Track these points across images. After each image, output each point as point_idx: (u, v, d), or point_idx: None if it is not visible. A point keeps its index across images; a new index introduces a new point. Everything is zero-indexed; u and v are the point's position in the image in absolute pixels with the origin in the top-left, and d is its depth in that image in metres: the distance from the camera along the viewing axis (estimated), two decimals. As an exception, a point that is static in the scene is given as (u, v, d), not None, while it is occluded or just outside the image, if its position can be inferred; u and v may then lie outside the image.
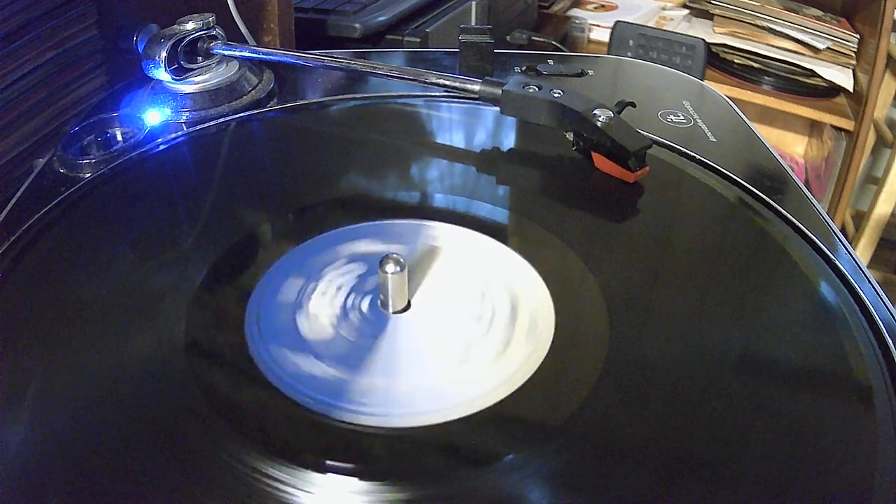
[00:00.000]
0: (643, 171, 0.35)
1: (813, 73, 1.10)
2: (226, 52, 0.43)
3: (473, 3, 0.78)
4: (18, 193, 0.35)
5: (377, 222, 0.33)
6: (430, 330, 0.27)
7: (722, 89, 0.48)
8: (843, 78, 1.08)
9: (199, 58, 0.42)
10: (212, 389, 0.25)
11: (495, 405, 0.24)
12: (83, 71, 0.50)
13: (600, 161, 0.36)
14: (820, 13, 1.15)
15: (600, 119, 0.36)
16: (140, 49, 0.42)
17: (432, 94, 0.43)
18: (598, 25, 1.24)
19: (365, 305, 0.28)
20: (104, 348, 0.26)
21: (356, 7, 0.69)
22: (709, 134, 0.41)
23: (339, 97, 0.44)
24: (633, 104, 0.39)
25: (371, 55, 0.54)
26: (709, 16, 1.19)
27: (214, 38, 0.43)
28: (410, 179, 0.37)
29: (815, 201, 0.35)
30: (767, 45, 1.11)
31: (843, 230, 0.92)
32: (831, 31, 1.10)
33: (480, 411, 0.24)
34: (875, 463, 0.22)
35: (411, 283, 0.29)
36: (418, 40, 0.68)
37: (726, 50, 1.14)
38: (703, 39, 0.93)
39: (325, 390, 0.25)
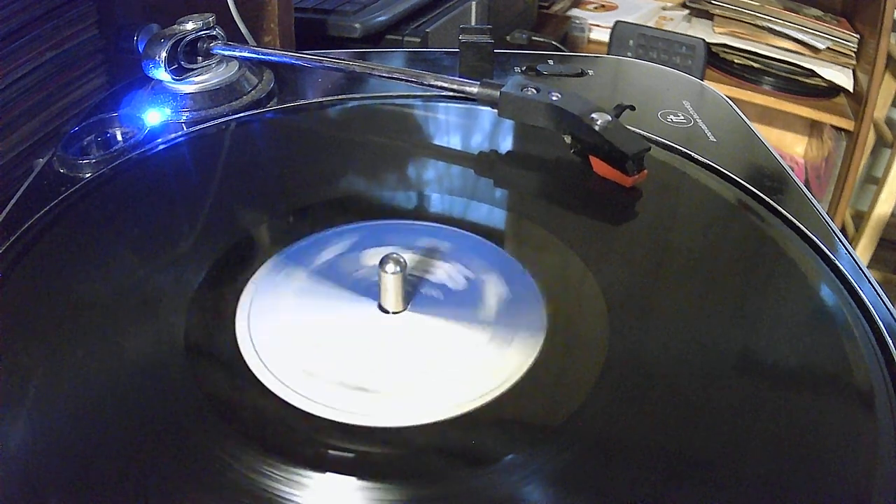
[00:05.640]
0: (641, 175, 0.35)
1: (813, 73, 1.10)
2: (226, 53, 0.43)
3: (473, 3, 0.78)
4: (18, 193, 0.35)
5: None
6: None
7: (722, 89, 0.48)
8: (843, 78, 1.08)
9: (199, 58, 0.42)
10: (211, 389, 0.25)
11: (495, 405, 0.24)
12: (83, 71, 0.50)
13: (598, 165, 0.36)
14: (820, 13, 1.15)
15: (598, 122, 0.36)
16: (140, 49, 0.42)
17: (432, 94, 0.43)
18: (598, 25, 1.24)
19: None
20: (104, 348, 0.26)
21: (356, 7, 0.69)
22: (709, 134, 0.41)
23: (339, 97, 0.44)
24: (632, 107, 0.39)
25: (371, 55, 0.54)
26: (709, 16, 1.19)
27: (214, 38, 0.43)
28: (410, 180, 0.37)
29: (815, 201, 0.35)
30: (767, 45, 1.11)
31: (843, 230, 0.92)
32: (831, 31, 1.10)
33: (480, 411, 0.24)
34: (875, 463, 0.22)
35: (410, 282, 0.29)
36: (418, 40, 0.68)
37: (726, 50, 1.14)
38: (703, 39, 0.93)
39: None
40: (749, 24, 1.13)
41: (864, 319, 0.28)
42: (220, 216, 0.34)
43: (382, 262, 0.27)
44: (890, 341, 0.27)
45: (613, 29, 1.03)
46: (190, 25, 0.41)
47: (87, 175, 0.36)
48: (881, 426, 0.24)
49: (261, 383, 0.25)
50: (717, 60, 1.14)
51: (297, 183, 0.37)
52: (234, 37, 0.47)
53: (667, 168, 0.37)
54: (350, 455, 0.23)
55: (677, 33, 1.01)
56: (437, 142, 0.40)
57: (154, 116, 0.40)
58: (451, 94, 0.42)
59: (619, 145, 0.35)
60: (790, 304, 0.30)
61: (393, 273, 0.27)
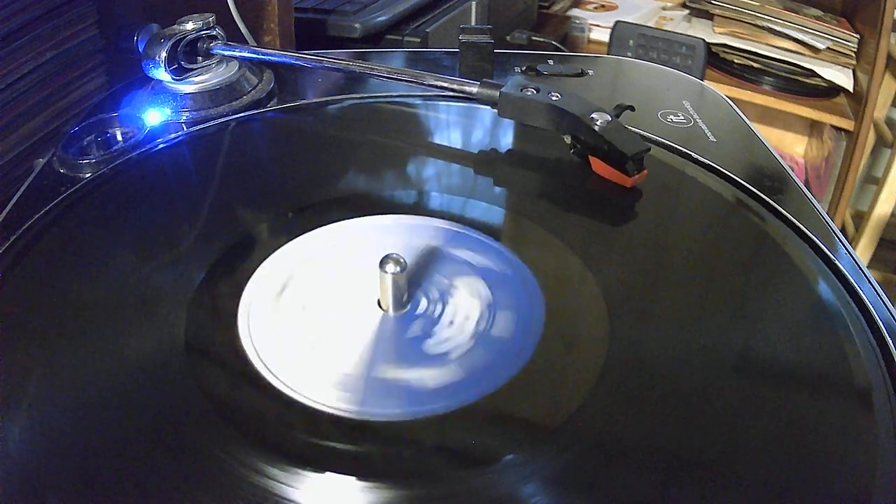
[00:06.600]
0: (641, 175, 0.35)
1: (813, 73, 1.10)
2: (226, 53, 0.43)
3: (473, 3, 0.78)
4: (18, 193, 0.35)
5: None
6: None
7: (722, 89, 0.48)
8: (843, 78, 1.08)
9: (199, 58, 0.42)
10: (211, 389, 0.25)
11: (495, 405, 0.24)
12: (83, 71, 0.50)
13: (598, 165, 0.36)
14: (820, 13, 1.15)
15: (598, 123, 0.36)
16: (140, 49, 0.42)
17: (432, 94, 0.43)
18: (598, 25, 1.24)
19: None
20: (104, 348, 0.26)
21: (356, 7, 0.69)
22: (709, 134, 0.41)
23: (339, 97, 0.44)
24: (631, 108, 0.39)
25: (371, 55, 0.54)
26: (709, 16, 1.19)
27: (214, 38, 0.43)
28: (409, 180, 0.37)
29: (815, 201, 0.35)
30: (767, 45, 1.11)
31: (843, 230, 0.92)
32: (831, 31, 1.10)
33: (480, 411, 0.24)
34: (875, 463, 0.22)
35: (411, 281, 0.29)
36: (418, 40, 0.68)
37: (726, 50, 1.14)
38: (703, 39, 0.93)
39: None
40: (749, 24, 1.13)
41: (864, 319, 0.28)
42: (220, 216, 0.34)
43: (382, 262, 0.27)
44: (890, 341, 0.27)
45: (613, 29, 1.03)
46: (190, 25, 0.41)
47: (87, 175, 0.36)
48: (881, 426, 0.24)
49: (261, 383, 0.25)
50: (717, 60, 1.14)
51: (297, 183, 0.37)
52: (234, 37, 0.47)
53: (667, 168, 0.37)
54: (350, 454, 0.23)
55: (677, 33, 1.01)
56: (436, 142, 0.40)
57: (154, 116, 0.40)
58: (451, 94, 0.42)
59: (619, 145, 0.35)
60: (790, 305, 0.30)
61: (393, 273, 0.27)
